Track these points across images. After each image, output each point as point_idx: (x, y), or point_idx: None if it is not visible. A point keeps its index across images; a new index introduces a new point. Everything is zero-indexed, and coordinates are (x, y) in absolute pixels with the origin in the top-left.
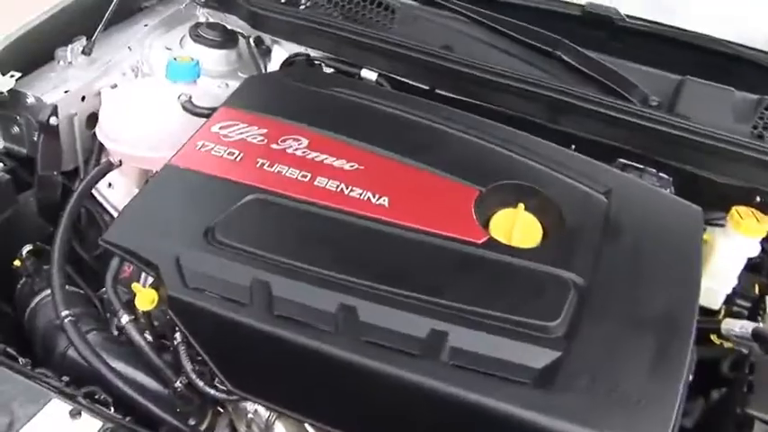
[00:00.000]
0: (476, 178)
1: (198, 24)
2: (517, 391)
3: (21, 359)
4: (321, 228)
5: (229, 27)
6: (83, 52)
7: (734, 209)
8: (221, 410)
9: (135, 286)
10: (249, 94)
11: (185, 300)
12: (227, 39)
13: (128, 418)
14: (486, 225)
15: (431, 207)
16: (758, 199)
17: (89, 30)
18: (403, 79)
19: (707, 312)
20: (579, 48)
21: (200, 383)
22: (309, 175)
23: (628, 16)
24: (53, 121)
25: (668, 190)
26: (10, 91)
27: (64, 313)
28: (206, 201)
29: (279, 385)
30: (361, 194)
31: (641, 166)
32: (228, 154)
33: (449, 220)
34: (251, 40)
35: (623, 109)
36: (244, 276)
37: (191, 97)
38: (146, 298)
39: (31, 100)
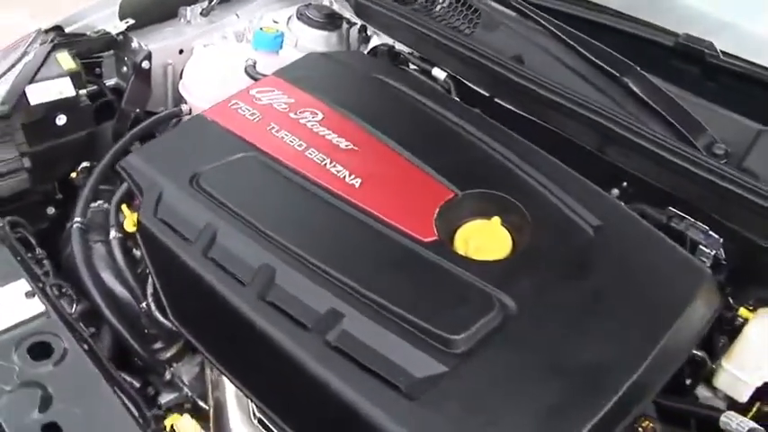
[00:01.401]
0: (462, 183)
1: (308, 4)
2: (383, 393)
3: (38, 249)
4: (286, 192)
5: (337, 10)
6: (201, 13)
7: None
8: None
9: (124, 208)
10: (300, 68)
11: (149, 227)
12: (328, 21)
13: (75, 314)
14: (451, 230)
15: (398, 198)
16: None
17: None
18: (466, 82)
19: (733, 404)
20: (648, 76)
21: (153, 308)
22: (304, 146)
23: (723, 53)
24: (145, 64)
25: (714, 252)
26: (122, 34)
27: (76, 220)
28: (210, 150)
29: (203, 328)
30: (339, 171)
31: (691, 220)
32: (251, 115)
33: (407, 214)
34: (353, 27)
35: (676, 151)
36: (201, 219)
37: (255, 63)
38: (130, 221)
39: (134, 44)
